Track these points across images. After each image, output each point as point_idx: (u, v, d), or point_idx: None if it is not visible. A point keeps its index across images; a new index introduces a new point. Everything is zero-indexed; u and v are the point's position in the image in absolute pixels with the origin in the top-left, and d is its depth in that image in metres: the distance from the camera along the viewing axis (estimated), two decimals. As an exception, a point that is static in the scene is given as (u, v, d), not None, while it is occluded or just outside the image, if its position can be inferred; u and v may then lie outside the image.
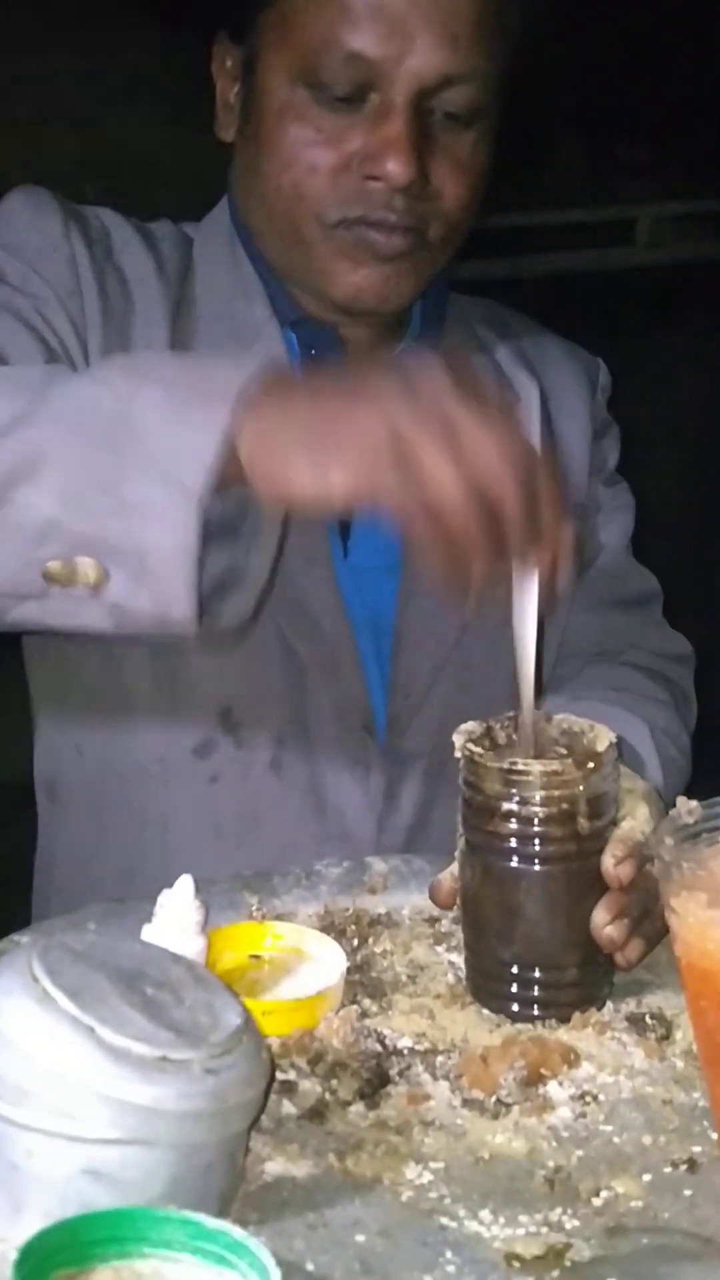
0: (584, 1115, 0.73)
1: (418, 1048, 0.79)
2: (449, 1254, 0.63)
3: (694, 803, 0.73)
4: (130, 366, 0.87)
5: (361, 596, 1.10)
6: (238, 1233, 0.60)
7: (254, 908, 0.92)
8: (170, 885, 0.82)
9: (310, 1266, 0.62)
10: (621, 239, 2.89)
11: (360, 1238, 0.64)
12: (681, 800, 0.74)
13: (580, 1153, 0.71)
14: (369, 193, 1.02)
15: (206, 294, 1.11)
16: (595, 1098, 0.75)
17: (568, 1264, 0.63)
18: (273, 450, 0.76)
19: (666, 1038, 0.79)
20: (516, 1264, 0.63)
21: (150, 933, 0.81)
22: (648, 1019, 0.80)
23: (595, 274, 2.81)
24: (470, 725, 0.85)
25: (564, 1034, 0.80)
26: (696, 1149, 0.71)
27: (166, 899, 0.82)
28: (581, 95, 2.96)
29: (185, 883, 0.82)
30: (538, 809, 0.81)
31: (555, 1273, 0.62)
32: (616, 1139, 0.72)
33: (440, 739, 1.08)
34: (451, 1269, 0.63)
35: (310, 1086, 0.75)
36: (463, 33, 1.01)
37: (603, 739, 0.84)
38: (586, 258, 2.88)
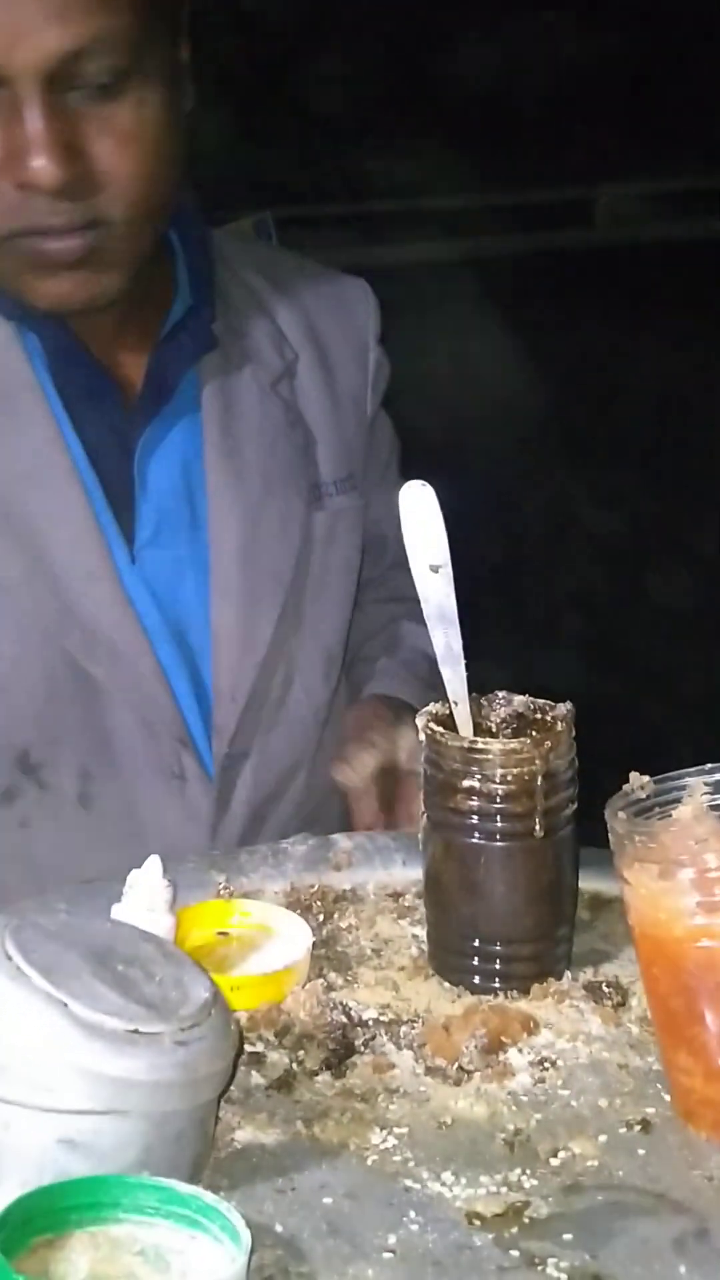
0: (543, 1080, 0.76)
1: (382, 1019, 0.81)
2: (412, 1214, 0.66)
3: (646, 778, 0.76)
4: None
5: (156, 602, 1.06)
6: (209, 1197, 0.62)
7: (221, 886, 0.94)
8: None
9: (279, 1228, 0.65)
10: (579, 220, 2.92)
11: (327, 1200, 0.67)
12: (634, 775, 0.76)
13: (539, 1116, 0.73)
14: (26, 203, 0.94)
15: None
16: (554, 1063, 0.77)
17: (526, 1221, 0.66)
18: None
19: (622, 1005, 0.82)
20: (477, 1222, 0.66)
21: (120, 912, 0.82)
22: (604, 987, 0.83)
23: (553, 254, 2.84)
24: (433, 705, 0.87)
25: (524, 1003, 0.82)
26: (650, 1110, 0.73)
27: (136, 878, 0.84)
28: (540, 76, 2.97)
29: (154, 862, 0.84)
30: (497, 786, 0.83)
31: (514, 1229, 0.65)
32: (574, 1102, 0.74)
33: (269, 735, 1.10)
34: (415, 1228, 0.65)
35: (278, 1058, 0.77)
36: (69, 3, 0.90)
37: (558, 717, 0.86)
38: (544, 239, 2.90)
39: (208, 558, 1.08)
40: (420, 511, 0.86)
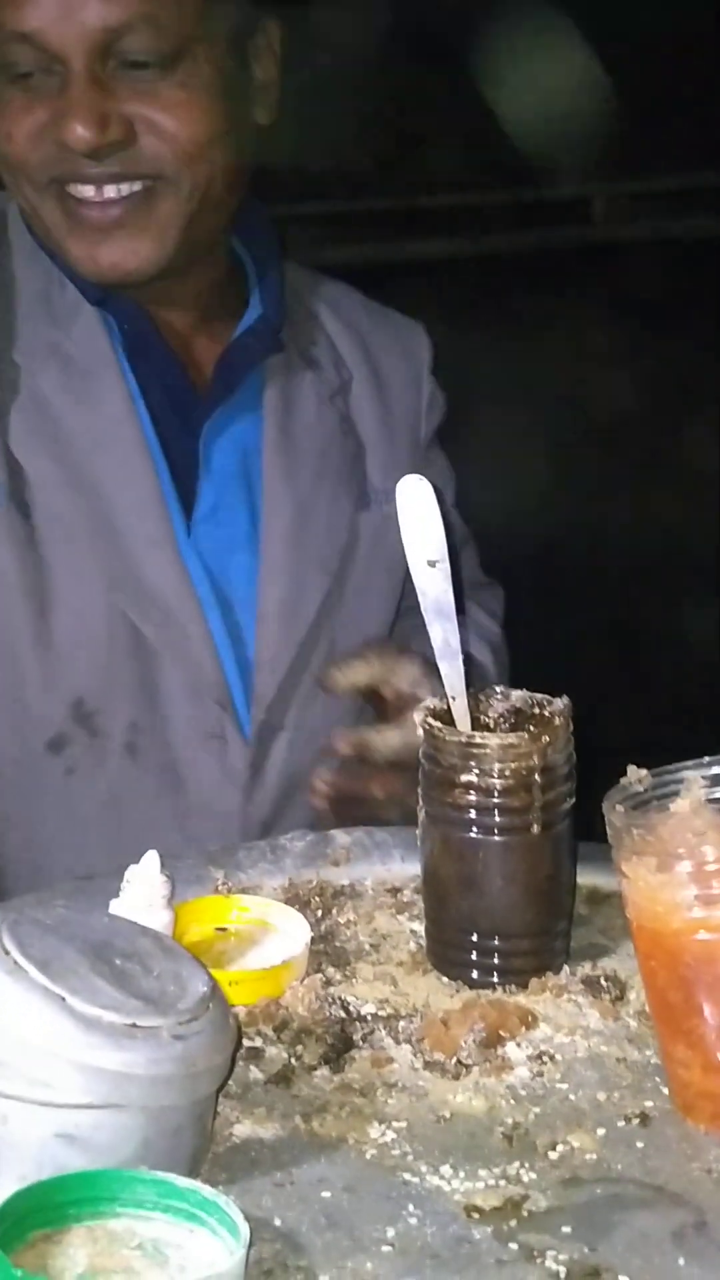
0: (541, 1074, 0.76)
1: (380, 1013, 0.81)
2: (411, 1207, 0.66)
3: (644, 771, 0.76)
4: None
5: (208, 574, 1.12)
6: (207, 1191, 0.62)
7: (219, 882, 0.94)
8: (35, 883, 0.84)
9: (278, 1222, 0.65)
10: (577, 217, 2.92)
11: (326, 1194, 0.67)
12: (632, 769, 0.76)
13: (537, 1110, 0.73)
14: (64, 155, 1.03)
15: (23, 272, 1.12)
16: (552, 1057, 0.77)
17: (525, 1214, 0.66)
18: None
19: (620, 999, 0.82)
20: (476, 1215, 0.66)
21: (118, 907, 0.83)
22: (602, 981, 0.83)
23: (550, 252, 2.84)
24: (431, 700, 0.87)
25: (522, 997, 0.82)
26: (649, 1104, 0.73)
27: (133, 874, 0.84)
28: (536, 72, 2.97)
29: (151, 858, 0.84)
30: (495, 781, 0.83)
31: (513, 1222, 0.65)
32: (572, 1096, 0.74)
33: (306, 712, 1.15)
34: (414, 1221, 0.65)
35: (277, 1053, 0.77)
36: None
37: (556, 712, 0.86)
38: (541, 236, 2.90)
39: (259, 539, 1.15)
40: (418, 507, 0.86)
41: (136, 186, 1.05)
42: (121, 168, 1.04)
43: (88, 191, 1.04)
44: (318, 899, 0.93)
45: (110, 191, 1.04)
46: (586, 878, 0.89)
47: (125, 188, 1.04)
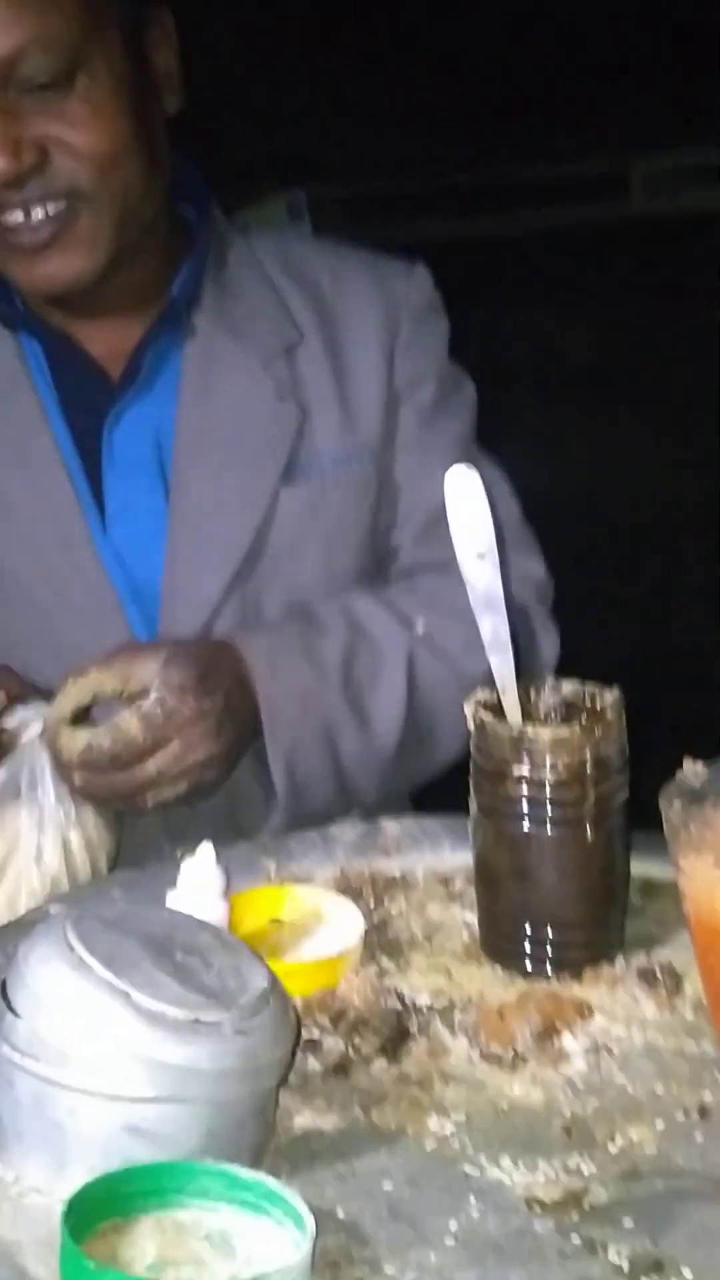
0: (598, 1066, 0.76)
1: (436, 1004, 0.81)
2: (473, 1199, 0.67)
3: (700, 764, 0.76)
4: None
5: (124, 569, 1.14)
6: (272, 1183, 0.63)
7: (272, 872, 0.95)
8: None
9: (341, 1214, 0.65)
10: (614, 192, 2.88)
11: (388, 1186, 0.67)
12: (688, 762, 0.76)
13: (596, 1102, 0.74)
14: None
15: None
16: (609, 1049, 0.78)
17: (586, 1208, 0.66)
18: None
19: (676, 990, 0.82)
20: (538, 1208, 0.66)
21: (174, 899, 0.83)
22: (658, 973, 0.83)
23: (588, 228, 2.81)
24: (481, 693, 0.87)
25: (577, 989, 0.83)
26: (708, 1096, 0.74)
27: (189, 866, 0.85)
28: (572, 42, 2.93)
29: (206, 849, 0.85)
30: (548, 774, 0.83)
31: (574, 1215, 0.66)
32: (630, 1088, 0.75)
33: None
34: (476, 1214, 0.66)
35: (333, 1043, 0.78)
36: (1, 14, 1.01)
37: (608, 704, 0.86)
38: (578, 212, 2.87)
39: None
40: (466, 497, 0.86)
41: (60, 205, 1.06)
42: (41, 190, 1.05)
43: (16, 217, 1.06)
44: (369, 889, 0.93)
45: (38, 213, 1.06)
46: (640, 868, 0.89)
47: (51, 207, 1.06)
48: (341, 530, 1.19)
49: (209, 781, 1.05)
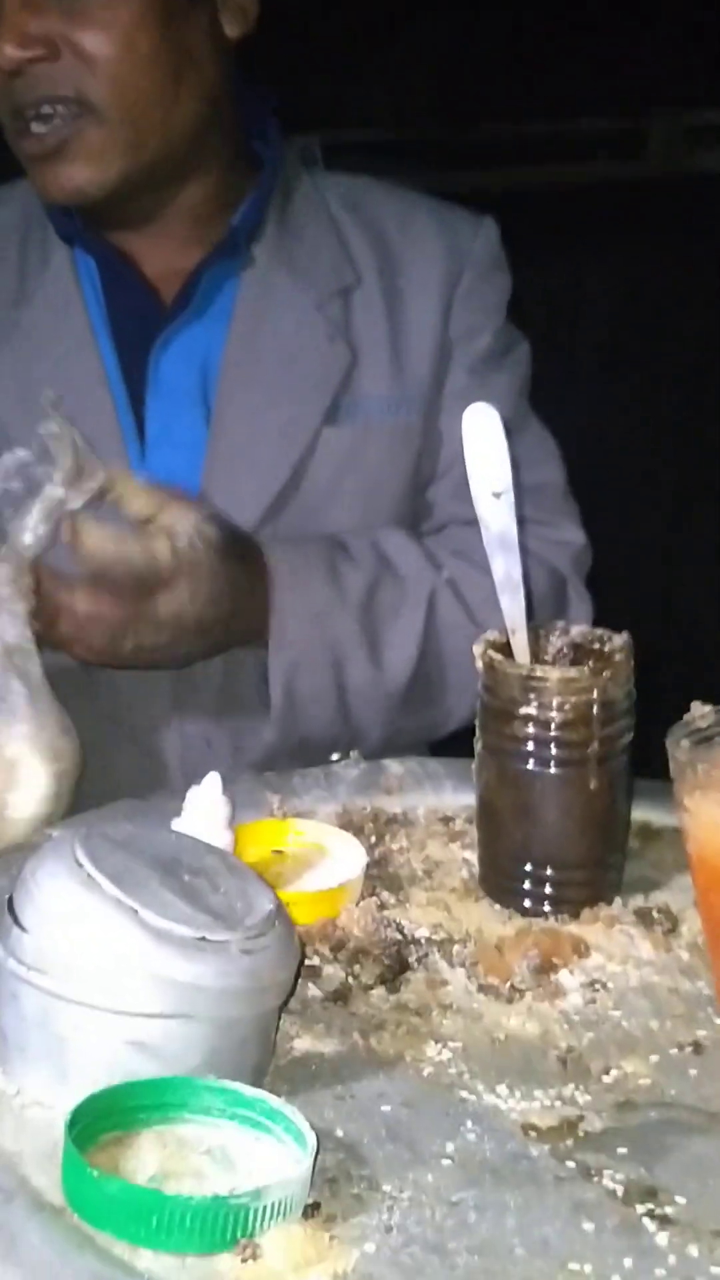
0: (594, 1001, 0.77)
1: (435, 937, 0.82)
2: (469, 1124, 0.68)
3: (708, 707, 0.76)
4: None
5: None
6: (274, 1100, 0.64)
7: (275, 806, 0.95)
8: None
9: (340, 1133, 0.66)
10: (632, 151, 2.86)
11: (386, 1108, 0.68)
12: (696, 705, 0.77)
13: (591, 1035, 0.75)
14: (5, 84, 1.06)
15: (11, 213, 1.17)
16: (605, 985, 0.78)
17: (581, 1135, 0.67)
18: None
19: (673, 931, 0.83)
20: (533, 1134, 0.67)
21: (180, 827, 0.84)
22: (655, 914, 0.84)
23: (604, 186, 2.79)
24: (491, 633, 0.88)
25: (574, 927, 0.83)
26: (701, 1033, 0.75)
27: (195, 795, 0.85)
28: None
29: (214, 779, 0.85)
30: (554, 714, 0.83)
31: (569, 1142, 0.67)
32: (625, 1023, 0.76)
33: None
34: (472, 1137, 0.67)
35: (334, 971, 0.79)
36: None
37: (617, 648, 0.86)
38: (594, 169, 2.85)
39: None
40: (484, 436, 0.86)
41: (69, 112, 1.06)
42: (46, 88, 1.06)
43: (32, 123, 1.07)
44: (371, 825, 0.94)
45: (45, 120, 1.07)
46: (640, 813, 0.90)
47: (61, 110, 1.06)
48: (382, 478, 1.18)
49: (185, 653, 1.05)
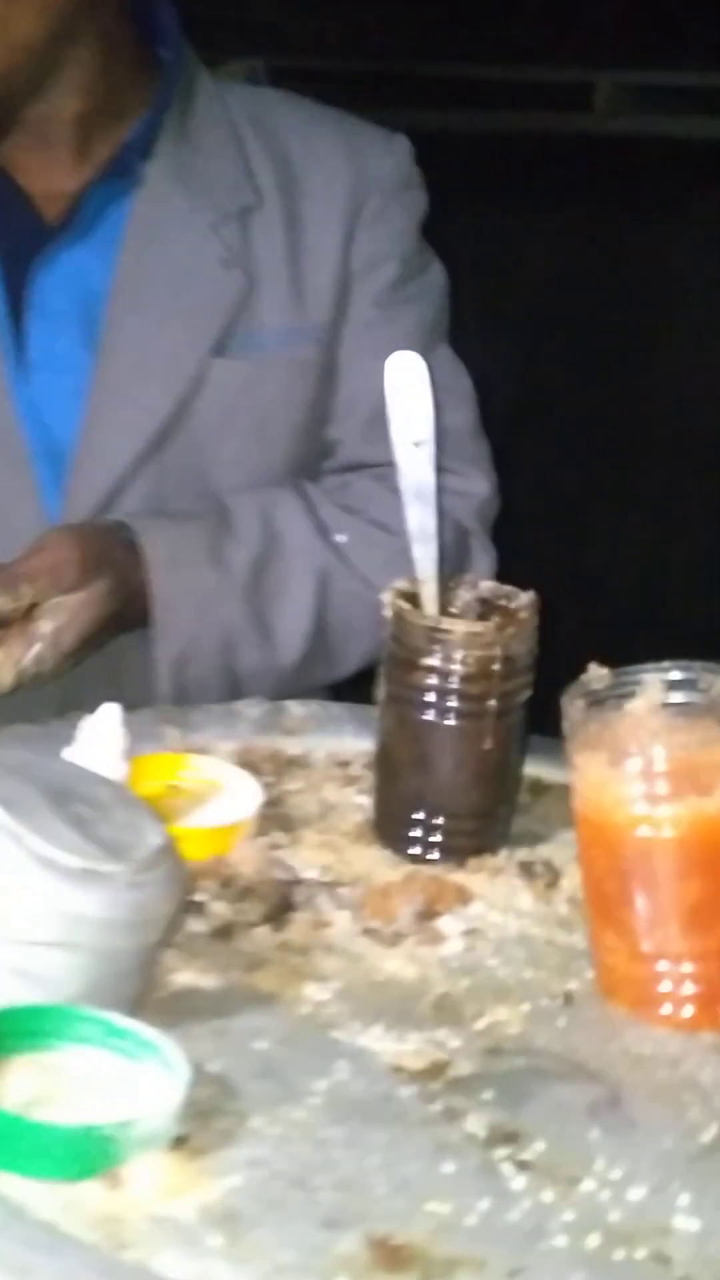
0: (473, 949, 0.79)
1: (323, 879, 0.83)
2: (341, 1063, 0.69)
3: (604, 669, 0.78)
4: None
5: (41, 425, 1.10)
6: (149, 1032, 0.65)
7: (173, 741, 0.95)
8: None
9: (214, 1068, 0.67)
10: (578, 104, 2.84)
11: (261, 1045, 0.69)
12: (593, 667, 0.78)
13: (467, 981, 0.76)
14: None
15: None
16: (484, 934, 0.80)
17: (449, 1078, 0.69)
18: None
19: (553, 884, 0.85)
20: (402, 1075, 0.69)
21: (72, 755, 0.83)
22: (538, 866, 0.86)
23: (549, 136, 2.77)
24: (401, 582, 0.88)
25: (460, 875, 0.85)
26: (573, 985, 0.77)
27: (90, 723, 0.85)
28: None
29: (111, 709, 0.85)
30: (457, 667, 0.84)
31: (437, 1085, 0.68)
32: (500, 971, 0.77)
33: None
34: (343, 1076, 0.68)
35: (220, 908, 0.79)
36: None
37: (523, 604, 0.87)
38: (540, 119, 2.83)
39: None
40: (407, 384, 0.86)
41: None
42: None
43: None
44: (269, 765, 0.94)
45: None
46: (532, 768, 0.92)
47: None
48: (276, 412, 1.15)
49: (75, 664, 1.03)
